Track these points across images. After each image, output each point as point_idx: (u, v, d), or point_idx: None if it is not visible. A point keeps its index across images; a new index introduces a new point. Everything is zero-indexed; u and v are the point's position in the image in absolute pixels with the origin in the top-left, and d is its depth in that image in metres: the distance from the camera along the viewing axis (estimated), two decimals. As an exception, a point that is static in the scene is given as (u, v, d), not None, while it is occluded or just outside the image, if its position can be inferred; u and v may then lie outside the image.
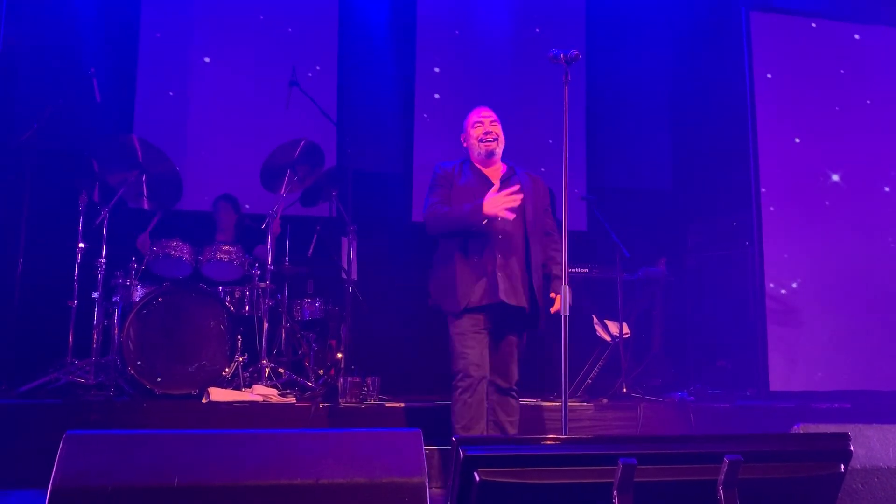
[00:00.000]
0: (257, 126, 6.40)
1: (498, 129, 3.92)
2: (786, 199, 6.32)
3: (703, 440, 1.94)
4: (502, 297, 3.70)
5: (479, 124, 3.91)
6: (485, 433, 3.70)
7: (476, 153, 3.93)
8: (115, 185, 5.03)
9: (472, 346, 3.68)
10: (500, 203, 3.60)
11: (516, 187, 3.69)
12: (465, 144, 4.02)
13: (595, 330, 5.61)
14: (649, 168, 7.29)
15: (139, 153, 5.02)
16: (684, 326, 6.44)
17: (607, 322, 5.58)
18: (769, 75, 6.34)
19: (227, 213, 5.77)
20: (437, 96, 6.93)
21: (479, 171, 3.95)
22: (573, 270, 5.37)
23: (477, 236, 3.73)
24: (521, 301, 3.78)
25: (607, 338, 5.56)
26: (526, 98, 6.96)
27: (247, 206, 5.92)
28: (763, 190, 6.22)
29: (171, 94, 6.44)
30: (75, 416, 4.22)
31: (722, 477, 1.82)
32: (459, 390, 3.66)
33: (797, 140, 6.25)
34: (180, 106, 6.48)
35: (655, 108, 7.32)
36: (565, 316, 3.34)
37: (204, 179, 6.32)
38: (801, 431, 2.36)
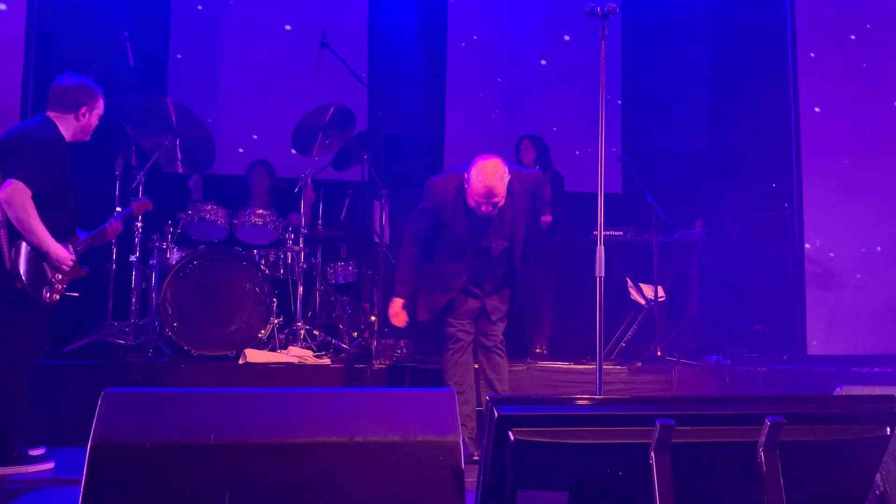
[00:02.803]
0: (288, 89, 6.38)
1: (499, 202, 3.76)
2: (827, 160, 6.15)
3: (743, 401, 1.91)
4: (490, 315, 4.04)
5: (483, 203, 3.73)
6: (473, 388, 4.07)
7: (471, 205, 3.79)
8: (149, 149, 5.05)
9: (460, 319, 4.03)
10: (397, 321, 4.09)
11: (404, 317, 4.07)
12: (465, 185, 3.78)
13: (630, 293, 5.54)
14: (686, 129, 7.12)
15: (173, 116, 5.03)
16: (720, 290, 6.32)
17: (642, 285, 5.51)
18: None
19: (261, 179, 5.77)
20: (468, 58, 6.82)
21: (472, 211, 3.84)
22: (608, 233, 5.29)
23: (470, 258, 3.94)
24: (505, 307, 4.08)
25: (642, 301, 5.50)
26: (561, 60, 6.81)
27: (279, 171, 5.92)
28: (804, 151, 6.06)
29: (202, 57, 6.43)
30: (115, 376, 4.32)
31: (763, 439, 1.78)
32: (451, 351, 4.01)
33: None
34: (212, 70, 6.47)
35: (693, 69, 7.13)
36: (600, 278, 3.36)
37: (236, 143, 6.33)
38: (845, 394, 2.31)
